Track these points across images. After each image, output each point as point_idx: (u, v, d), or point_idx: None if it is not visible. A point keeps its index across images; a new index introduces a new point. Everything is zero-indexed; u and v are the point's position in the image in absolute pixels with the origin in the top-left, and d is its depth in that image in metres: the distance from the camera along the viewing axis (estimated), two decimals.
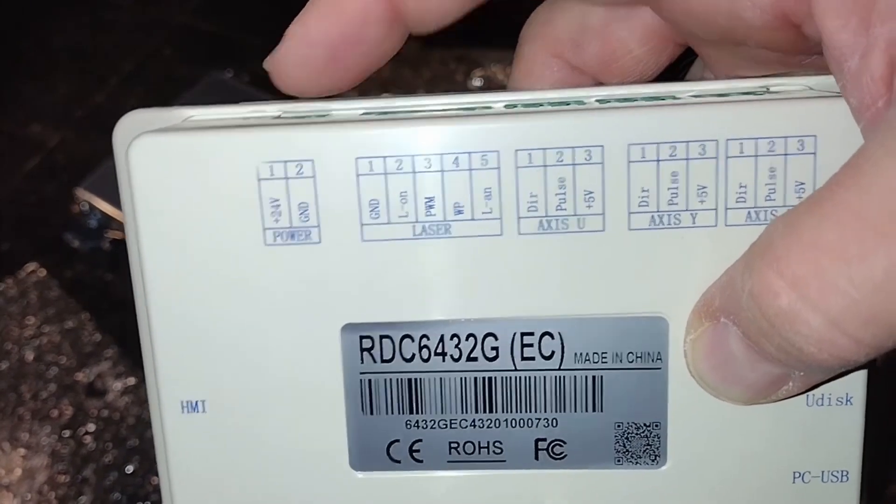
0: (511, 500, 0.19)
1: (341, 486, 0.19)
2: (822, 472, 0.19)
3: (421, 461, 0.19)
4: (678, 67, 0.22)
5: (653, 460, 0.19)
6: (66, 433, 0.44)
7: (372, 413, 0.19)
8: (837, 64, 0.16)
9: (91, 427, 0.44)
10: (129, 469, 0.43)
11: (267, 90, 0.25)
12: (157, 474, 0.43)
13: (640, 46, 0.21)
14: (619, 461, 0.19)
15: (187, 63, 0.61)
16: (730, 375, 0.17)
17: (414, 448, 0.19)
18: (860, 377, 0.18)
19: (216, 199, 0.18)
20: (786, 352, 0.15)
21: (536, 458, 0.19)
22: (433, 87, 0.58)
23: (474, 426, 0.19)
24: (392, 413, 0.19)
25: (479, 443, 0.19)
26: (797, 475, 0.19)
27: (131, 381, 0.45)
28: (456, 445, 0.19)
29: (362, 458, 0.19)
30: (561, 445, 0.19)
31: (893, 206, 0.14)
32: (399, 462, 0.19)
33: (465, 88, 0.58)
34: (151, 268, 0.18)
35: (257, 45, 0.25)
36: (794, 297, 0.14)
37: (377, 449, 0.19)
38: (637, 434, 0.19)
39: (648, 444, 0.19)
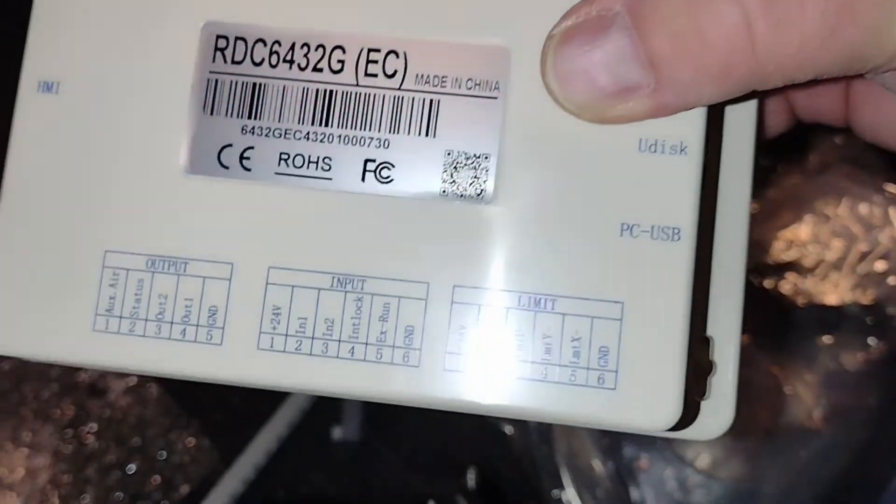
0: (334, 221, 0.19)
1: (170, 188, 0.19)
2: (652, 226, 0.18)
3: (249, 170, 0.19)
4: None
5: (478, 195, 0.19)
6: (68, 433, 0.44)
7: (212, 113, 0.19)
8: None
9: (93, 426, 0.44)
10: (131, 468, 0.43)
11: None
12: (159, 473, 0.44)
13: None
14: (445, 192, 0.19)
15: None
16: (587, 72, 0.17)
17: (245, 155, 0.19)
18: (697, 126, 0.18)
19: None
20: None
21: (363, 179, 0.19)
22: None
23: (308, 139, 0.19)
24: (231, 115, 0.19)
25: (310, 157, 0.19)
26: (626, 227, 0.18)
27: (133, 380, 0.45)
28: (286, 157, 0.19)
29: (194, 162, 0.20)
30: (389, 169, 0.19)
31: None
32: (228, 168, 0.19)
33: None
34: None
35: None
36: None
37: (210, 152, 0.20)
38: (466, 165, 0.19)
39: (476, 177, 0.19)
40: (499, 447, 0.43)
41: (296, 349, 0.19)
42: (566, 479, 0.41)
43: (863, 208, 0.44)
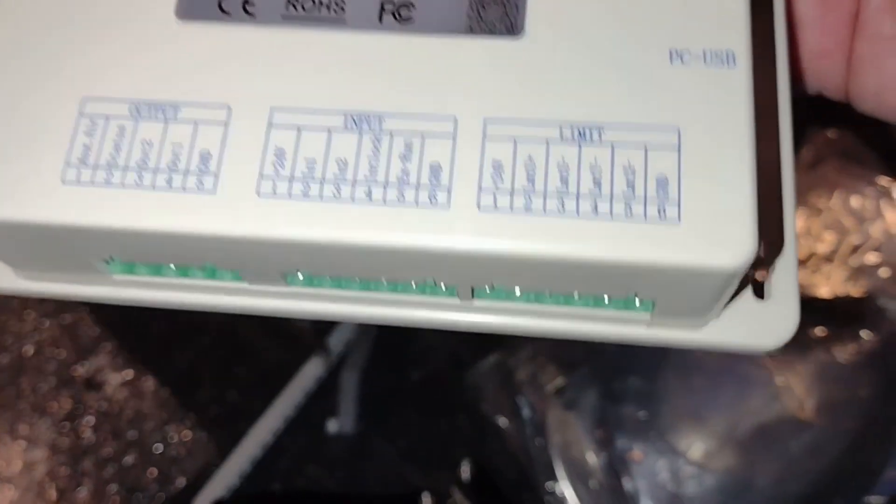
0: (347, 62, 0.17)
1: (161, 34, 0.18)
2: (704, 51, 0.17)
3: (253, 14, 0.18)
4: None
5: (509, 29, 0.17)
6: (65, 426, 0.44)
7: None
8: None
9: (90, 420, 0.44)
10: (128, 461, 0.43)
11: None
12: (155, 466, 0.44)
13: None
14: (471, 29, 0.17)
15: None
16: None
17: (248, 0, 0.18)
18: None
19: None
20: None
21: (380, 20, 0.18)
22: None
23: None
24: None
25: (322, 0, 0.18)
26: (675, 54, 0.17)
27: (129, 374, 0.45)
28: (295, 0, 0.18)
29: (189, 5, 0.18)
30: (409, 9, 0.18)
31: None
32: (228, 13, 0.18)
33: None
34: None
35: None
36: None
37: None
38: (494, 1, 0.17)
39: (506, 13, 0.17)
40: (493, 440, 0.43)
41: (303, 194, 0.16)
42: (560, 472, 0.41)
43: (854, 201, 0.44)
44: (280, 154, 0.17)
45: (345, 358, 0.45)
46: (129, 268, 0.19)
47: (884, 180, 0.44)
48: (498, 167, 0.16)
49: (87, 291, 0.19)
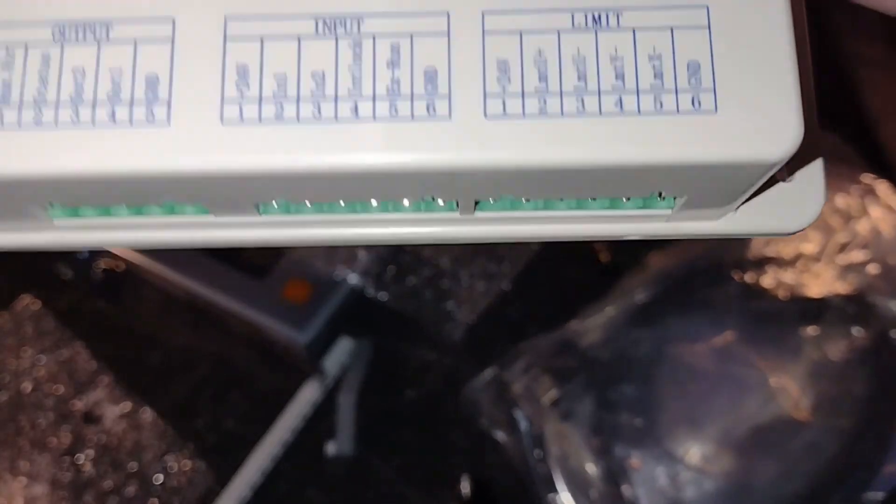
0: None
1: None
2: None
3: None
4: None
5: None
6: (66, 461, 0.44)
7: None
8: None
9: (90, 453, 0.44)
10: (129, 493, 0.43)
11: None
12: (156, 497, 0.44)
13: None
14: None
15: None
16: None
17: None
18: None
19: None
20: None
21: None
22: None
23: None
24: None
25: None
26: None
27: (127, 406, 0.45)
28: None
29: None
30: None
31: None
32: None
33: None
34: None
35: None
36: None
37: None
38: None
39: None
40: (491, 454, 0.43)
41: (276, 116, 0.14)
42: (560, 483, 0.41)
43: (840, 200, 0.44)
44: (243, 71, 0.14)
45: (340, 380, 0.45)
46: (74, 211, 0.16)
47: (868, 178, 0.45)
48: (503, 67, 0.14)
49: (28, 240, 0.17)
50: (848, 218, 0.44)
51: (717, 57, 0.14)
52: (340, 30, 0.14)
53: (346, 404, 0.45)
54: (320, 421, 0.44)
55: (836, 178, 0.45)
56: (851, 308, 0.42)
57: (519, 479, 0.42)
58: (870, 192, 0.44)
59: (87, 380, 0.46)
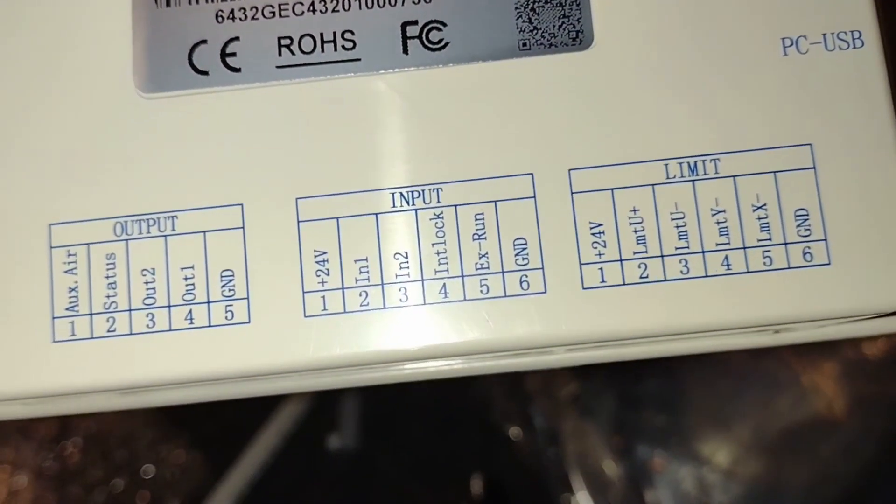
0: (378, 118, 0.14)
1: (125, 116, 0.14)
2: (824, 35, 0.14)
3: (238, 69, 0.14)
4: None
5: (574, 39, 0.14)
6: (52, 449, 0.43)
7: (169, 3, 0.14)
8: None
9: (77, 441, 0.43)
10: (118, 484, 0.42)
11: None
12: (145, 489, 0.42)
13: None
14: (525, 45, 0.14)
15: None
16: None
17: (228, 50, 0.14)
18: None
19: None
20: None
21: (405, 50, 0.14)
22: None
23: (314, 11, 0.14)
24: (198, 0, 0.14)
25: (322, 35, 0.14)
26: (789, 42, 0.14)
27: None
28: (289, 42, 0.14)
29: (153, 76, 0.14)
30: (439, 29, 0.14)
31: None
32: (206, 74, 0.14)
33: None
34: None
35: None
36: None
37: (175, 56, 0.14)
38: (548, 1, 0.14)
39: (565, 16, 0.14)
40: (504, 452, 0.42)
41: (360, 305, 0.13)
42: (577, 484, 0.41)
43: None
44: (321, 258, 0.13)
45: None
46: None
47: None
48: (596, 229, 0.13)
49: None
50: None
51: (826, 201, 0.13)
52: (419, 200, 0.13)
53: (351, 395, 0.44)
54: (323, 412, 0.43)
55: None
56: None
57: (533, 479, 0.41)
58: None
59: None
